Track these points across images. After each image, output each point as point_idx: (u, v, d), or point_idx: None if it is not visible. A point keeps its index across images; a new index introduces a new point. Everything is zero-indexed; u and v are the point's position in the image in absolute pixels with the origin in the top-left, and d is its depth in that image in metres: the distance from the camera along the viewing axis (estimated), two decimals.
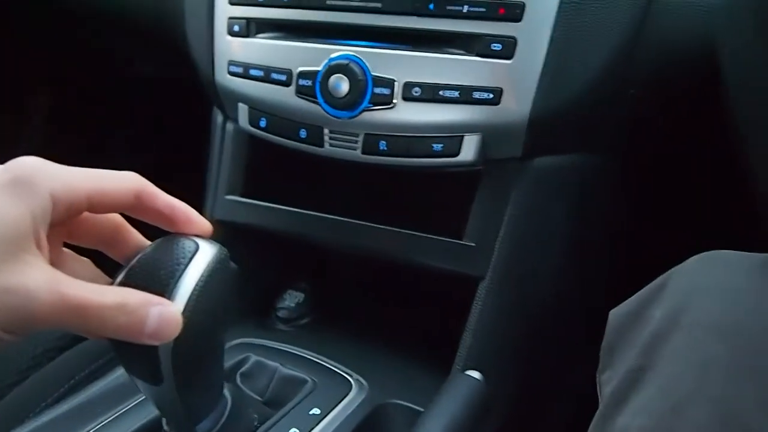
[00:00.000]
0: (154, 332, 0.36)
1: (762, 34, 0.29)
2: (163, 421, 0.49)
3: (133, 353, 0.41)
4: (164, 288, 0.38)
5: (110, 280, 0.40)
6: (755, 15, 0.29)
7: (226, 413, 0.49)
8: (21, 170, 0.35)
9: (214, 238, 0.73)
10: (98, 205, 0.39)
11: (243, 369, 0.63)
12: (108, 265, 0.42)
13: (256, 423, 0.53)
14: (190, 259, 0.39)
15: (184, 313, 0.38)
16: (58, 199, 0.36)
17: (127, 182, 0.40)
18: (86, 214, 0.39)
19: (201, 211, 0.74)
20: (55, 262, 0.36)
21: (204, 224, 0.42)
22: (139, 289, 0.38)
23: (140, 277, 0.39)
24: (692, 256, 0.46)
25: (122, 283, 0.39)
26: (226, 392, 0.50)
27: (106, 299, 0.35)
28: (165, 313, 0.37)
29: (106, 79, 1.16)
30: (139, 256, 0.40)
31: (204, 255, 0.40)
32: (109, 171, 0.39)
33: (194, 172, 0.79)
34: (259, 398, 0.61)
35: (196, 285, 0.39)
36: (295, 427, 0.54)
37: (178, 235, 0.41)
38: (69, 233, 0.40)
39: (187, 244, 0.40)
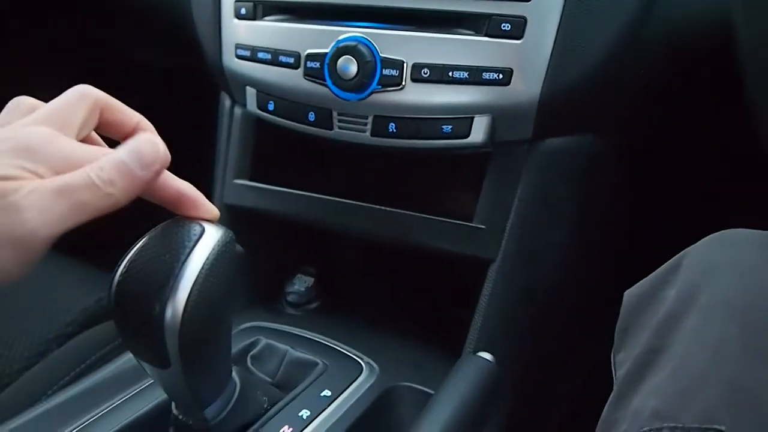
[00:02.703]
0: (140, 162, 0.37)
1: None
2: (173, 404, 0.49)
3: (139, 337, 0.41)
4: (169, 272, 0.38)
5: None
6: None
7: (235, 396, 0.49)
8: (28, 140, 0.35)
9: (222, 222, 0.73)
10: None
11: (253, 352, 0.63)
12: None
13: (266, 405, 0.53)
14: (196, 242, 0.40)
15: (189, 297, 0.38)
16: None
17: None
18: None
19: (209, 197, 0.75)
20: None
21: (211, 209, 0.42)
22: (145, 275, 0.39)
23: (146, 260, 0.39)
24: (702, 236, 0.45)
25: (128, 267, 0.40)
26: (235, 376, 0.50)
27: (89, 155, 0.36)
28: (139, 141, 0.37)
29: (108, 68, 1.15)
30: (145, 239, 0.41)
31: (209, 239, 0.40)
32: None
33: (200, 159, 0.79)
34: (269, 380, 0.61)
35: (201, 269, 0.39)
36: (306, 409, 0.54)
37: (185, 219, 0.41)
38: None
39: (193, 228, 0.40)
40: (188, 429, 0.48)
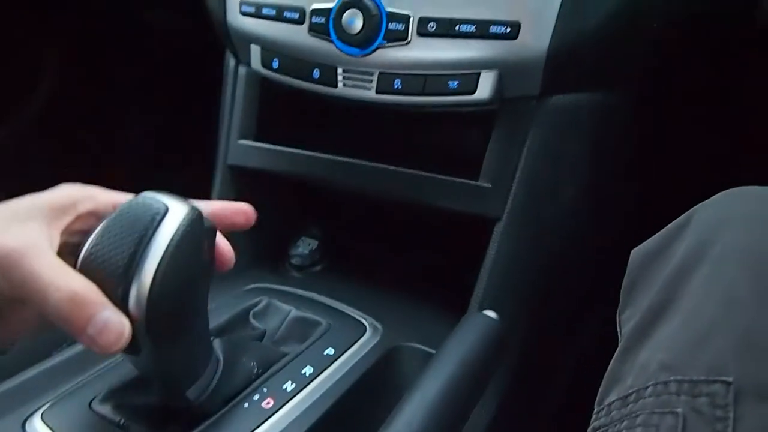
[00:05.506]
0: (94, 334, 0.36)
1: None
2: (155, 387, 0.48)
3: None
4: (132, 255, 0.37)
5: None
6: None
7: (218, 372, 0.48)
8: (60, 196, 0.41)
9: (226, 184, 0.72)
10: None
11: (256, 309, 0.62)
12: None
13: (256, 370, 0.52)
14: (159, 222, 0.38)
15: (154, 279, 0.37)
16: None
17: None
18: None
19: (214, 157, 0.74)
20: None
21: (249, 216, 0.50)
22: (107, 259, 0.38)
23: (108, 243, 0.38)
24: (708, 195, 0.44)
25: (89, 250, 0.38)
26: (218, 350, 0.49)
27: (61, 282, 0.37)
28: (111, 322, 0.37)
29: (116, 29, 1.14)
30: (107, 220, 0.39)
31: (173, 217, 0.39)
32: None
33: (205, 119, 0.79)
34: (259, 338, 0.59)
35: (166, 250, 0.38)
36: (310, 366, 0.54)
37: (147, 197, 0.40)
38: None
39: (155, 207, 0.39)
40: (173, 410, 0.47)
